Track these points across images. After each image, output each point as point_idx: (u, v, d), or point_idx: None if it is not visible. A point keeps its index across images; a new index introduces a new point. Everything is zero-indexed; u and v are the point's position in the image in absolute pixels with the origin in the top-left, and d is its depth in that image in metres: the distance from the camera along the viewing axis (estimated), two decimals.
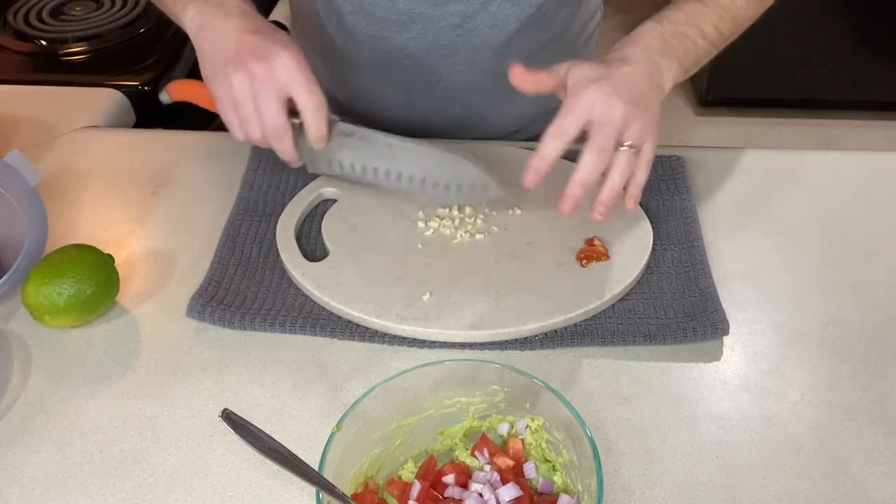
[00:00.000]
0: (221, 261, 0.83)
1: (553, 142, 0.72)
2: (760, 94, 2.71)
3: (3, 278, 0.76)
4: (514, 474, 0.61)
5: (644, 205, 0.88)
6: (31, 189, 0.82)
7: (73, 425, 0.70)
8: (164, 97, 0.85)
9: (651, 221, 0.85)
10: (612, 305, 0.78)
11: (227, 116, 0.76)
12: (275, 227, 0.86)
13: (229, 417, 0.57)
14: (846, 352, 0.75)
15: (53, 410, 0.71)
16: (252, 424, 0.58)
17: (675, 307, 0.78)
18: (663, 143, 1.18)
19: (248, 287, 0.81)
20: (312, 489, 0.56)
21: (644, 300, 0.79)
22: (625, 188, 0.74)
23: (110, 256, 0.79)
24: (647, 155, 0.74)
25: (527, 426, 0.63)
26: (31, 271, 0.76)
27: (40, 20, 1.37)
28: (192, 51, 1.35)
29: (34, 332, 0.78)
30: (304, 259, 0.82)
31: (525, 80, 0.75)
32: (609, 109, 0.71)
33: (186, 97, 0.84)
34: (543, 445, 0.63)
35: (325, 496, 0.56)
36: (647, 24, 0.79)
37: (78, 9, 1.40)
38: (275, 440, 0.58)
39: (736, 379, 0.73)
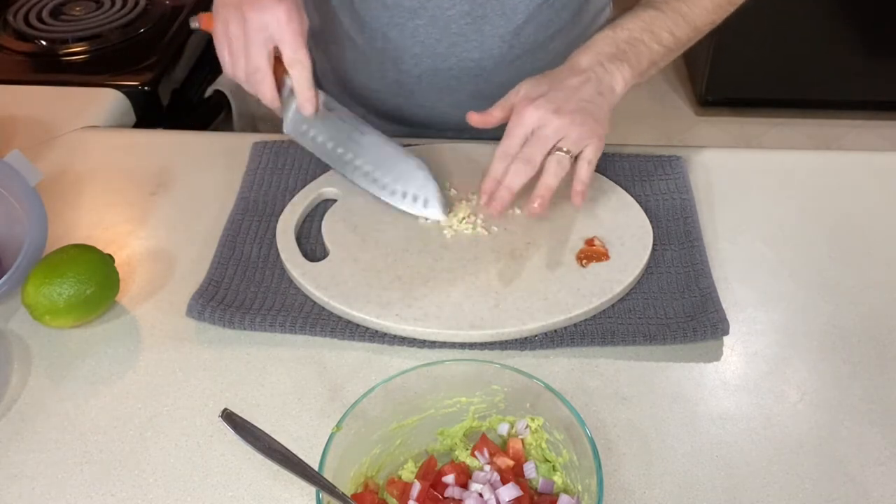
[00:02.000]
0: (221, 261, 0.83)
1: (500, 163, 0.80)
2: (760, 94, 2.71)
3: (3, 278, 0.76)
4: (514, 474, 0.61)
5: (644, 205, 0.88)
6: (31, 189, 0.82)
7: (73, 425, 0.70)
8: (194, 24, 0.90)
9: (651, 221, 0.85)
10: (613, 305, 0.78)
11: (220, 51, 0.83)
12: (275, 227, 0.86)
13: (229, 417, 0.57)
14: (846, 352, 0.75)
15: (53, 410, 0.71)
16: (252, 424, 0.58)
17: (675, 307, 0.78)
18: (663, 143, 1.17)
19: (248, 287, 0.81)
20: (312, 489, 0.56)
21: (644, 300, 0.79)
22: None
23: (110, 256, 0.79)
24: (589, 156, 0.81)
25: (527, 426, 0.63)
26: (31, 271, 0.76)
27: (40, 20, 1.36)
28: (192, 51, 1.36)
29: (34, 332, 0.78)
30: (304, 259, 0.82)
31: (481, 121, 0.84)
32: (544, 125, 0.79)
33: (211, 29, 0.88)
34: (543, 445, 0.63)
35: (324, 496, 0.56)
36: (602, 32, 0.86)
37: (78, 9, 1.40)
38: (275, 440, 0.58)
39: (736, 379, 0.73)
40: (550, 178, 0.80)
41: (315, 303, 0.79)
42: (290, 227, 0.86)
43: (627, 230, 0.84)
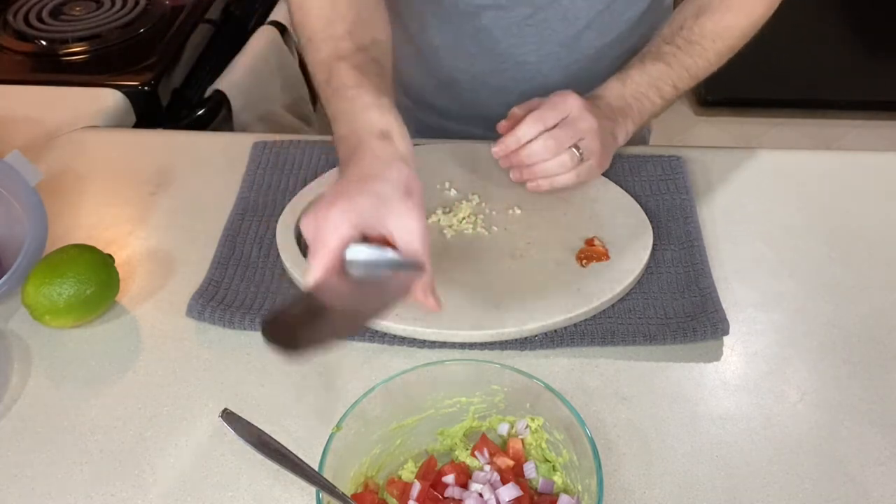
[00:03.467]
0: (221, 261, 0.83)
1: (532, 126, 0.81)
2: (760, 94, 2.71)
3: (3, 278, 0.76)
4: (514, 474, 0.62)
5: (644, 205, 0.88)
6: (31, 189, 0.82)
7: (73, 425, 0.70)
8: None
9: (651, 221, 0.85)
10: (613, 305, 0.78)
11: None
12: (275, 227, 0.86)
13: (229, 417, 0.57)
14: (846, 352, 0.75)
15: (53, 410, 0.71)
16: (252, 424, 0.58)
17: (675, 307, 0.78)
18: (663, 143, 1.18)
19: (247, 287, 0.80)
20: (312, 489, 0.56)
21: (644, 300, 0.79)
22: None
23: (110, 256, 0.79)
24: (582, 171, 0.83)
25: (527, 426, 0.63)
26: (31, 271, 0.76)
27: (40, 20, 1.36)
28: (192, 51, 1.36)
29: (34, 332, 0.78)
30: (303, 259, 0.82)
31: (510, 126, 0.84)
32: (582, 116, 0.81)
33: None
34: (543, 445, 0.63)
35: (324, 496, 0.56)
36: (611, 83, 0.88)
37: (78, 9, 1.40)
38: (275, 440, 0.58)
39: (736, 379, 0.73)
40: (555, 167, 0.82)
41: None
42: (290, 227, 0.85)
43: (627, 230, 0.84)
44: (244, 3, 1.56)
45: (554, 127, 0.82)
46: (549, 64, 0.98)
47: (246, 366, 0.74)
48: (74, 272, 0.75)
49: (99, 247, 0.79)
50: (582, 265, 0.80)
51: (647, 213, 0.86)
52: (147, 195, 0.94)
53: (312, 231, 0.65)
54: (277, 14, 1.53)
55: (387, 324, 0.75)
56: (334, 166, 0.93)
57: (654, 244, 0.83)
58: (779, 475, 0.65)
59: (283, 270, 0.82)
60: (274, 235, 0.85)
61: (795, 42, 2.52)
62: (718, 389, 0.72)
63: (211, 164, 0.98)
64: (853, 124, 2.71)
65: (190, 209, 0.92)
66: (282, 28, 1.51)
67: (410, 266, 0.64)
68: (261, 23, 1.51)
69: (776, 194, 0.93)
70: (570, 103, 0.82)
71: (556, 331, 0.75)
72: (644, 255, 0.81)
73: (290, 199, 0.89)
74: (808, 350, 0.75)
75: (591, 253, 0.81)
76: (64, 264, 0.76)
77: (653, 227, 0.85)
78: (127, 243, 0.88)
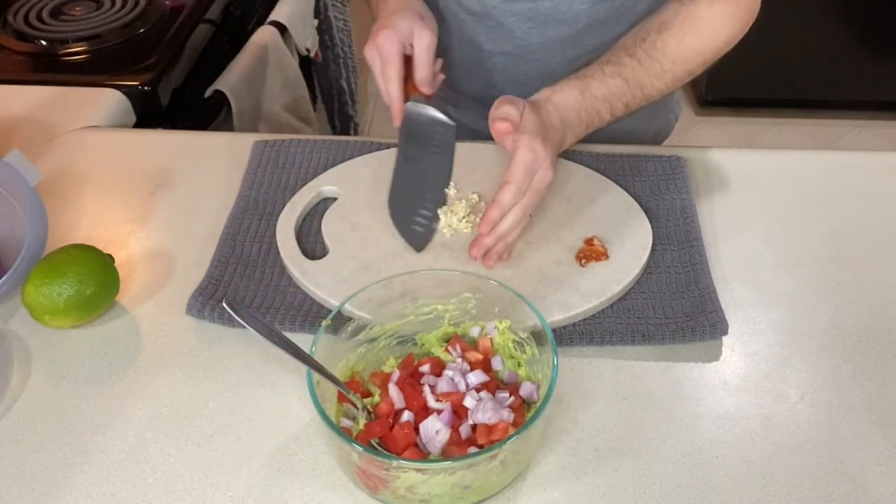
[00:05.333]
0: (221, 259, 0.83)
1: (512, 196, 0.77)
2: (760, 94, 2.71)
3: (3, 278, 0.76)
4: (482, 366, 0.68)
5: (644, 205, 0.88)
6: (31, 189, 0.82)
7: (73, 425, 0.70)
8: None
9: (651, 221, 0.85)
10: (612, 305, 0.78)
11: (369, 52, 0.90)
12: (275, 226, 0.86)
13: (231, 306, 0.61)
14: (846, 352, 0.75)
15: (53, 410, 0.71)
16: (252, 311, 0.65)
17: (674, 307, 0.78)
18: (664, 142, 1.17)
19: (247, 285, 0.81)
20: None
21: (643, 300, 0.79)
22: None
23: (110, 256, 0.79)
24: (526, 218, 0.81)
25: (495, 327, 0.70)
26: (31, 271, 0.76)
27: (40, 20, 1.36)
28: (192, 51, 1.36)
29: (34, 332, 0.78)
30: (303, 257, 0.82)
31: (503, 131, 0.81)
32: (546, 176, 0.79)
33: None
34: (510, 345, 0.70)
35: (315, 376, 0.62)
36: (571, 91, 0.86)
37: (78, 9, 1.40)
38: (274, 327, 0.64)
39: (736, 379, 0.73)
40: (515, 236, 0.80)
41: (314, 301, 0.79)
42: (290, 225, 0.86)
43: (627, 230, 0.84)
44: (244, 3, 1.55)
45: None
46: (557, 64, 0.99)
47: (246, 366, 0.74)
48: (74, 272, 0.75)
49: (99, 247, 0.79)
50: (581, 265, 0.81)
51: (647, 213, 0.86)
52: (147, 195, 0.94)
53: (376, 52, 0.89)
54: (277, 14, 1.53)
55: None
56: (334, 165, 0.93)
57: (654, 244, 0.83)
58: (779, 475, 0.65)
59: (283, 268, 0.82)
60: (274, 234, 0.85)
61: (795, 42, 2.52)
62: (718, 389, 0.72)
63: (211, 164, 0.98)
64: (853, 124, 2.71)
65: (190, 209, 0.92)
66: (282, 28, 1.51)
67: (448, 126, 0.92)
68: (261, 23, 1.51)
69: (776, 194, 0.93)
70: (540, 157, 0.78)
71: (555, 330, 0.75)
72: (643, 255, 0.81)
73: (290, 198, 0.89)
74: (808, 350, 0.75)
75: (590, 253, 0.81)
76: (64, 264, 0.76)
77: (653, 227, 0.85)
78: (127, 243, 0.88)
